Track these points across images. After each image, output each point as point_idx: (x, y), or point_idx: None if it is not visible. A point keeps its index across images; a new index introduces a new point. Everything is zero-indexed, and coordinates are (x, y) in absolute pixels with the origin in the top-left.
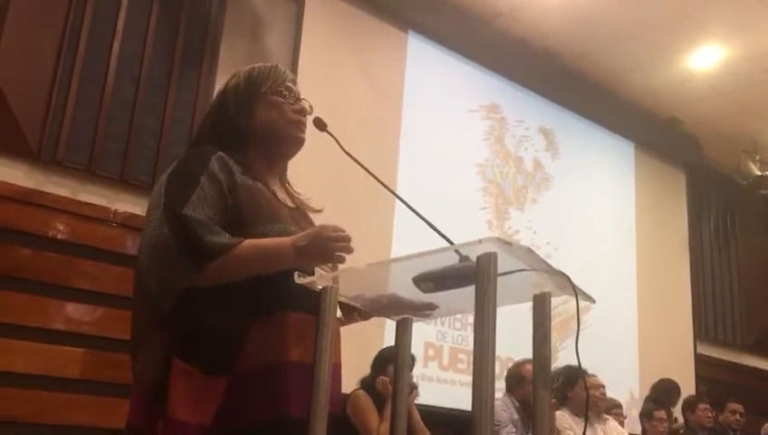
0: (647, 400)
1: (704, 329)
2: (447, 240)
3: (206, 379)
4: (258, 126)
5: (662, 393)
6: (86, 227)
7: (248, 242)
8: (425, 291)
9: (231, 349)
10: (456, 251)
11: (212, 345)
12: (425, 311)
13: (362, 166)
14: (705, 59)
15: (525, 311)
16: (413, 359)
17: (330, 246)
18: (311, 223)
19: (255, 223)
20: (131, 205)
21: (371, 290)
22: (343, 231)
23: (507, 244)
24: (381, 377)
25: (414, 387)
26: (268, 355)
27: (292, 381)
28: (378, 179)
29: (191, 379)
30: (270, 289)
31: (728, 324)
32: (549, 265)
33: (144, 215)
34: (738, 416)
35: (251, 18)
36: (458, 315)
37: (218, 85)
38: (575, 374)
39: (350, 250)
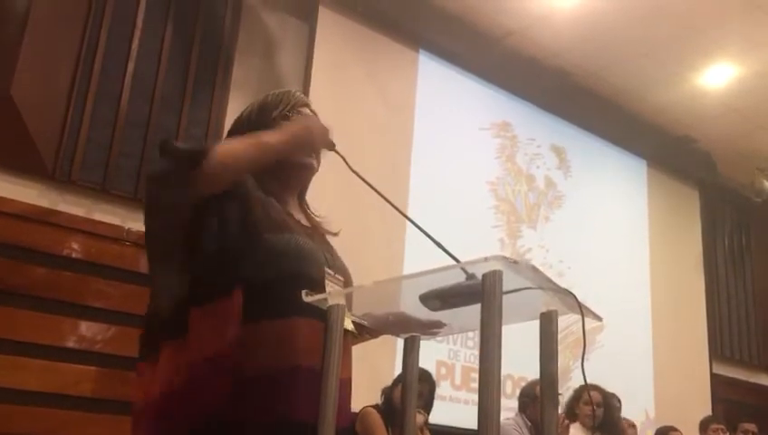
0: None
1: (719, 348)
2: (453, 258)
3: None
4: None
5: None
6: (100, 245)
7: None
8: (432, 309)
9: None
10: (463, 269)
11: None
12: (432, 329)
13: (369, 184)
14: (718, 76)
15: (537, 330)
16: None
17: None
18: (326, 243)
19: (263, 230)
20: None
21: (379, 308)
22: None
23: (513, 262)
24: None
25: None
26: (276, 359)
27: (299, 386)
28: (384, 198)
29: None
30: (280, 294)
31: (744, 343)
32: (555, 284)
33: None
34: None
35: (264, 37)
36: (471, 334)
37: (231, 104)
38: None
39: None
